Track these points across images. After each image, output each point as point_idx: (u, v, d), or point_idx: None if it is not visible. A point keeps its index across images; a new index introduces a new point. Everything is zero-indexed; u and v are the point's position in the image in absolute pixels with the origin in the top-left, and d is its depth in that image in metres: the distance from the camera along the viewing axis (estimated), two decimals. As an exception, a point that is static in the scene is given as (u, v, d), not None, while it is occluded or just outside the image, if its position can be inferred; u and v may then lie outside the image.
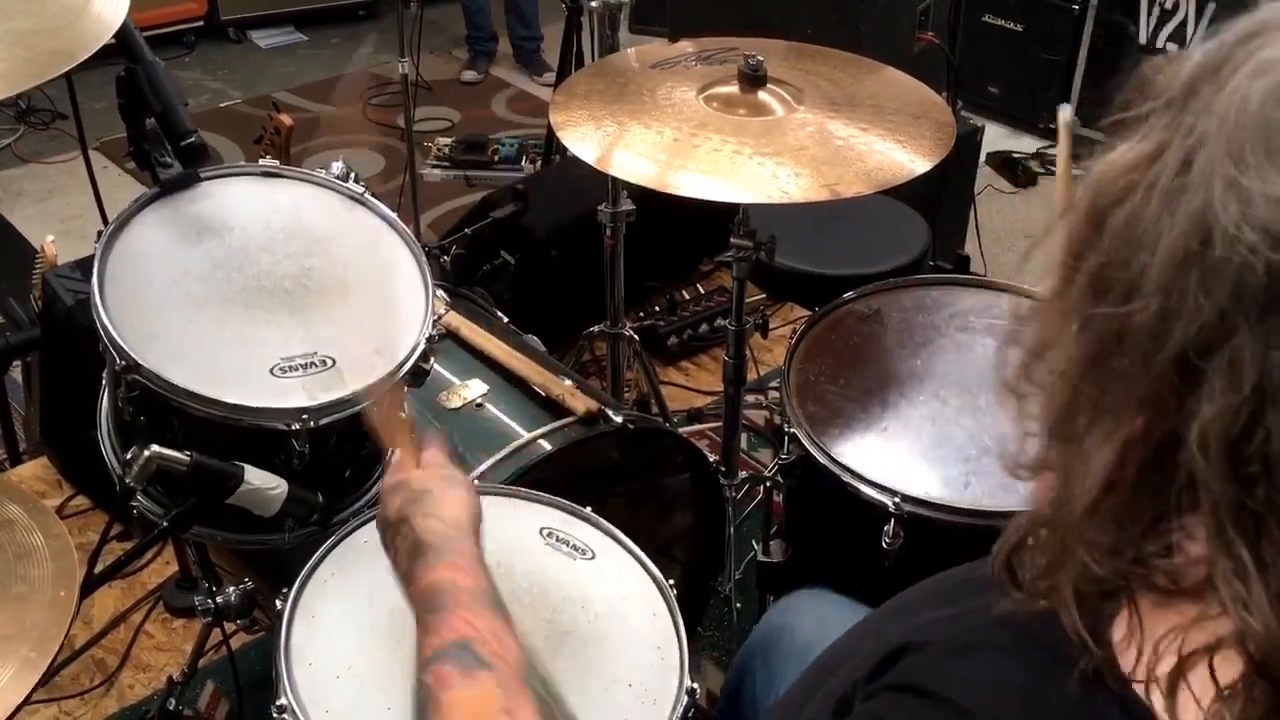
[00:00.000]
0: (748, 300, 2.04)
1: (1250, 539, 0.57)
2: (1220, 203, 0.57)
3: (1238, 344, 0.56)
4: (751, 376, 2.37)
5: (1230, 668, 0.60)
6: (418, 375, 1.52)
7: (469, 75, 5.11)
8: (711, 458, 2.04)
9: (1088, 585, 0.65)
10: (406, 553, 1.02)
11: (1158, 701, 0.62)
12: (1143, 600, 0.65)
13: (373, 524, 1.47)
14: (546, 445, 1.75)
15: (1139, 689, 0.63)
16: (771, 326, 2.32)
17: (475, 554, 1.00)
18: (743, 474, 2.26)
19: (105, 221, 1.51)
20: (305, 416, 1.39)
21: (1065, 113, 1.52)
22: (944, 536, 1.57)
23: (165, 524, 1.47)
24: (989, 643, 0.69)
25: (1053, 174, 4.22)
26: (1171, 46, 4.09)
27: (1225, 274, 0.56)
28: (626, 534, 1.50)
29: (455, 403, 1.82)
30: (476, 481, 1.66)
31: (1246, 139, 0.57)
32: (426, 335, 1.51)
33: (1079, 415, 0.65)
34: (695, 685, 1.33)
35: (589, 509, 1.53)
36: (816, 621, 1.38)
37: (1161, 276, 0.59)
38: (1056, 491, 0.67)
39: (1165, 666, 0.62)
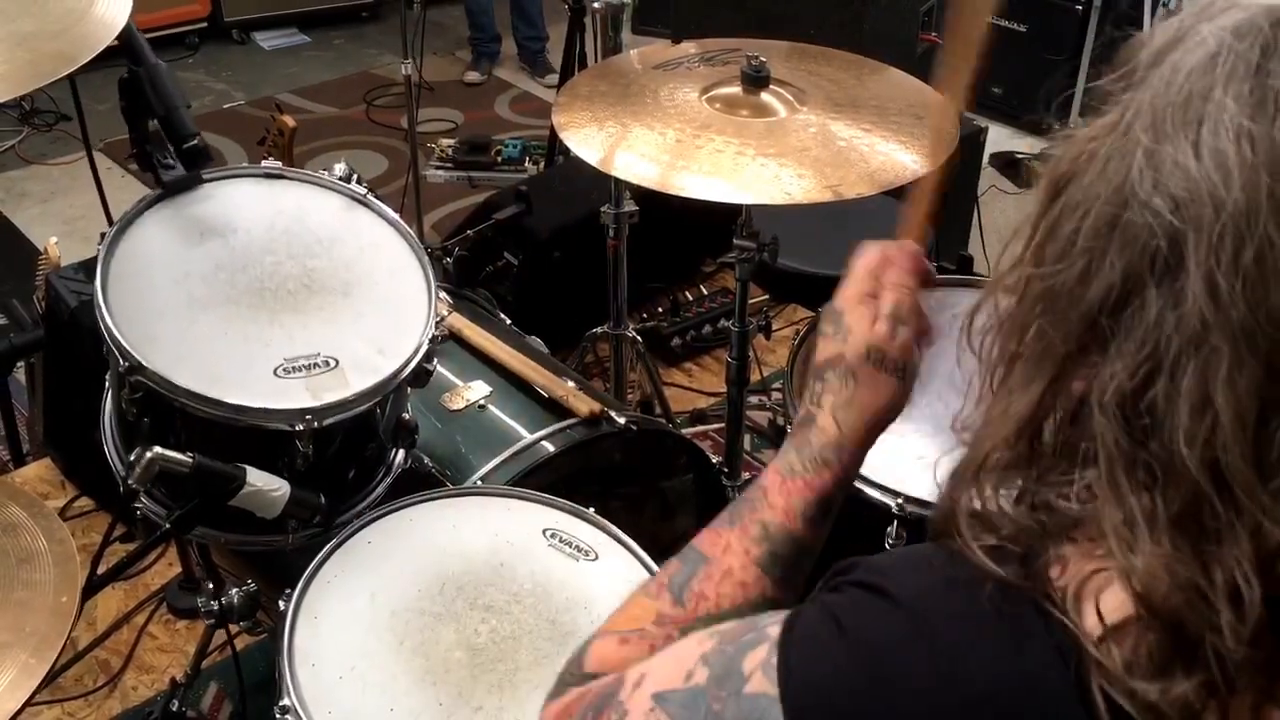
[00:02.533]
0: (751, 301, 2.04)
1: (1138, 489, 0.61)
2: (1138, 170, 0.60)
3: (1140, 305, 0.60)
4: (754, 378, 2.37)
5: (1121, 609, 0.62)
6: (421, 376, 1.52)
7: (472, 76, 5.11)
8: (715, 459, 2.04)
9: (1004, 532, 0.67)
10: (804, 410, 0.93)
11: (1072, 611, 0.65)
12: (1065, 549, 0.68)
13: (375, 525, 1.48)
14: (549, 446, 1.75)
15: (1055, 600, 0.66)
16: (774, 328, 2.32)
17: (826, 493, 0.89)
18: (746, 475, 2.25)
19: (109, 222, 1.51)
20: (309, 417, 1.40)
21: None
22: (947, 538, 1.56)
23: (168, 525, 1.47)
24: (929, 560, 0.72)
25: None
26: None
27: (1134, 238, 0.60)
28: (629, 535, 1.50)
29: (458, 404, 1.82)
30: (480, 483, 1.67)
31: (1167, 109, 0.60)
32: (429, 336, 1.51)
33: (1008, 371, 0.68)
34: (698, 687, 1.32)
35: (592, 510, 1.53)
36: None
37: (1086, 239, 0.62)
38: (976, 433, 0.70)
39: (1070, 584, 0.65)
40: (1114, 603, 0.62)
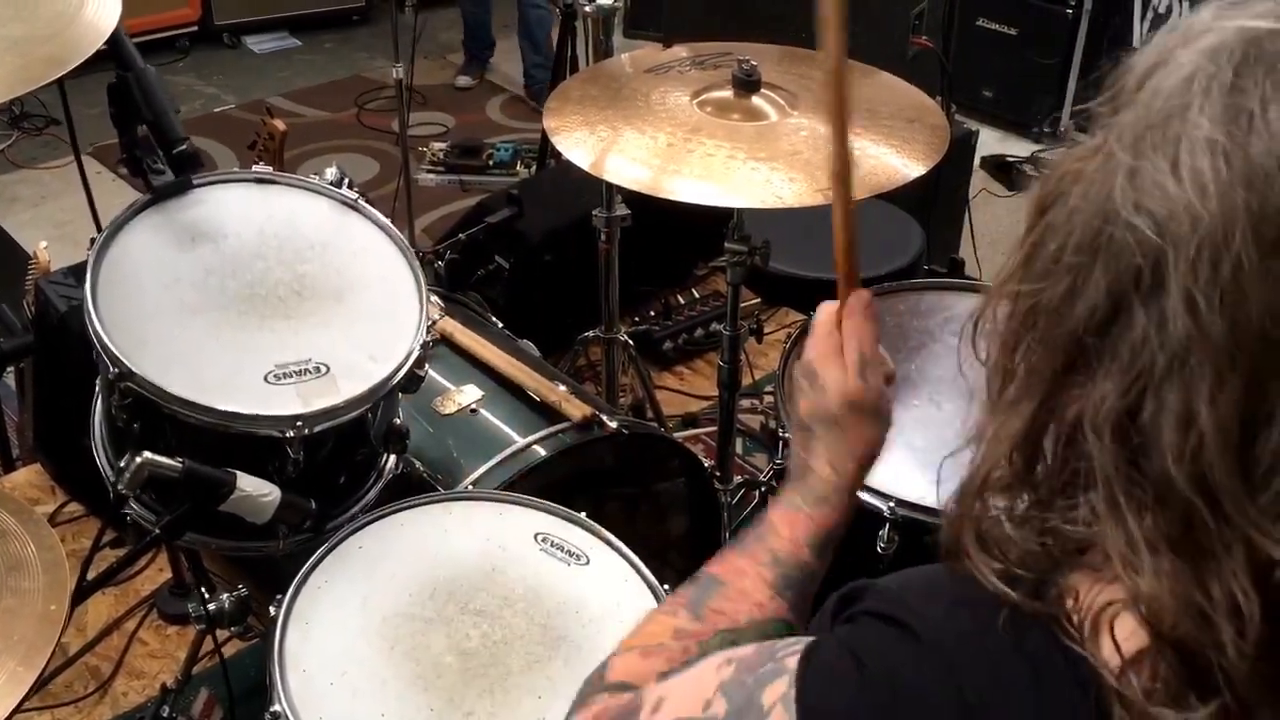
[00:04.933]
0: (742, 305, 2.04)
1: (1137, 510, 0.61)
2: (1120, 189, 0.60)
3: (1126, 324, 0.60)
4: (746, 381, 2.38)
5: (1136, 636, 0.62)
6: (412, 381, 1.52)
7: (463, 80, 5.10)
8: (706, 462, 2.04)
9: (1012, 557, 0.67)
10: (798, 458, 1.01)
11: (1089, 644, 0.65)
12: (1075, 576, 0.68)
13: (367, 530, 1.48)
14: (541, 450, 1.75)
15: (1071, 630, 0.66)
16: (766, 331, 2.32)
17: (828, 526, 0.97)
18: (738, 479, 2.25)
19: (99, 227, 1.51)
20: (299, 424, 1.39)
21: None
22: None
23: (158, 530, 1.47)
24: (942, 585, 0.72)
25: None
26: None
27: (1118, 256, 0.60)
28: (621, 539, 1.50)
29: (450, 408, 1.82)
30: (471, 487, 1.66)
31: (1146, 129, 0.61)
32: (421, 341, 1.51)
33: (1002, 387, 0.69)
34: (690, 691, 1.32)
35: (584, 514, 1.53)
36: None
37: (1070, 256, 0.63)
38: (977, 451, 0.71)
39: (1085, 613, 0.65)
40: (1127, 630, 0.62)
